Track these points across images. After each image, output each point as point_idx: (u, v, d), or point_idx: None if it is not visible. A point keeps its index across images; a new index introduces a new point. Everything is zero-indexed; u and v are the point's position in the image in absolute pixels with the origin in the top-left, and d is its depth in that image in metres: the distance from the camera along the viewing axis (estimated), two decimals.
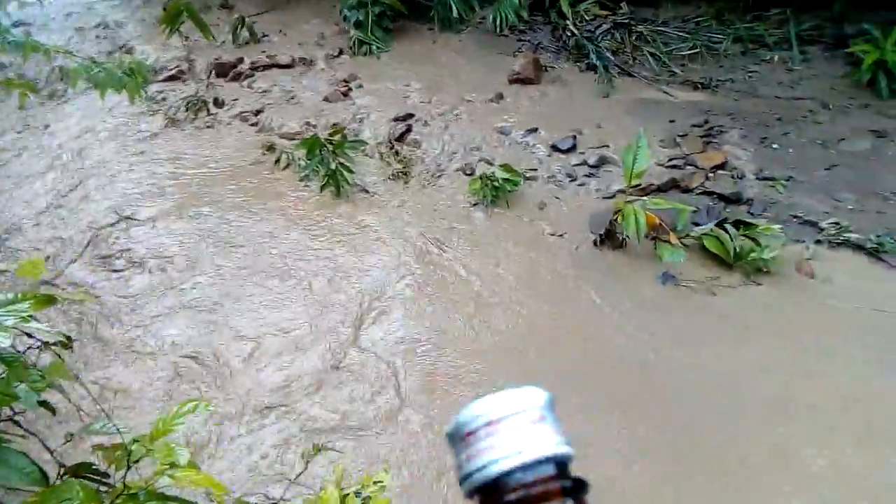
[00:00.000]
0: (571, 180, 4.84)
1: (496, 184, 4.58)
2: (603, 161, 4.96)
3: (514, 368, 3.36)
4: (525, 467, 0.46)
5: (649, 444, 2.94)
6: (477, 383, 3.27)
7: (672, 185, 4.70)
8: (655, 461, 2.89)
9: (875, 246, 4.09)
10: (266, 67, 6.49)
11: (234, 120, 5.73)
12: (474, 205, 4.60)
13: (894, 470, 2.80)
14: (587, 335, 3.56)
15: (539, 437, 0.47)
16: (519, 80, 6.15)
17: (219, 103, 5.96)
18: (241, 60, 6.56)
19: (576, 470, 0.48)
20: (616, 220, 4.03)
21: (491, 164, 4.95)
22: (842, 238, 4.16)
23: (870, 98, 5.50)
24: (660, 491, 2.78)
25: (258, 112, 5.78)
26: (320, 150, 4.65)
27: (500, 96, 5.92)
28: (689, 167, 4.83)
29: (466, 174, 4.88)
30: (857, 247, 4.11)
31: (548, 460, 0.46)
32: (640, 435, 2.99)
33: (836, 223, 4.25)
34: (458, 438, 0.48)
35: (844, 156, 4.95)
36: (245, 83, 6.31)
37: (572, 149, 5.13)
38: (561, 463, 0.47)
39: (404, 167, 4.92)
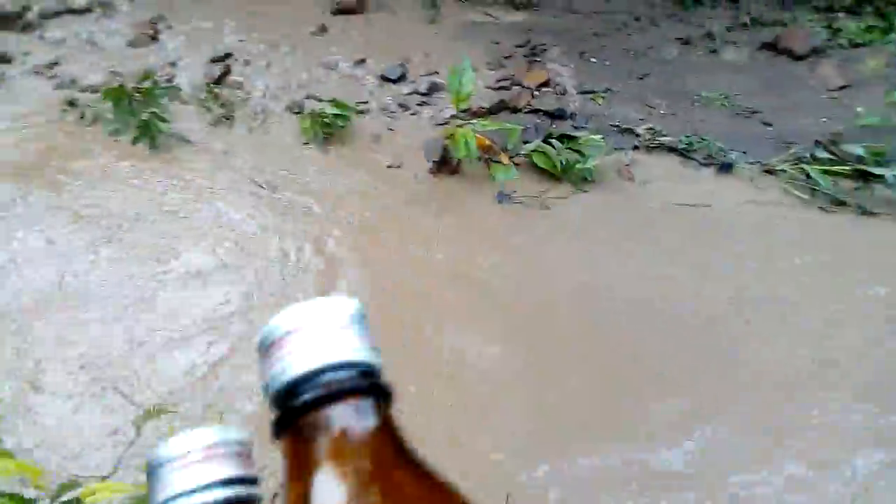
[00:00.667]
0: (404, 110, 4.79)
1: (327, 120, 4.44)
2: (434, 88, 4.94)
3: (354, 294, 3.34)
4: (322, 370, 0.44)
5: (507, 360, 3.05)
6: None
7: (502, 107, 4.78)
8: (519, 369, 3.01)
9: (685, 147, 4.41)
10: (58, 14, 5.81)
11: (27, 76, 5.11)
12: (306, 144, 4.44)
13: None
14: (429, 260, 3.59)
15: (341, 343, 0.45)
16: (342, 10, 5.94)
17: (6, 59, 5.28)
18: (27, 9, 5.81)
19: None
20: (448, 145, 4.05)
21: (320, 100, 4.78)
22: (656, 142, 4.45)
23: (676, 9, 5.85)
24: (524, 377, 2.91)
25: (54, 65, 5.19)
26: (130, 101, 4.27)
27: (323, 28, 5.70)
28: (515, 87, 4.92)
29: (295, 113, 4.68)
30: (670, 149, 4.42)
31: (349, 366, 0.45)
32: (492, 352, 3.09)
33: (651, 129, 4.54)
34: (263, 351, 0.46)
35: (655, 64, 5.26)
36: (36, 34, 5.62)
37: (402, 78, 5.07)
38: (365, 371, 0.45)
39: (227, 111, 4.63)
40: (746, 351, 2.98)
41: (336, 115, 4.46)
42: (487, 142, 4.14)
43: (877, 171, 4.02)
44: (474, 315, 3.16)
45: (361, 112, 4.71)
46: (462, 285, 3.32)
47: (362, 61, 5.23)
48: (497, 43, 5.53)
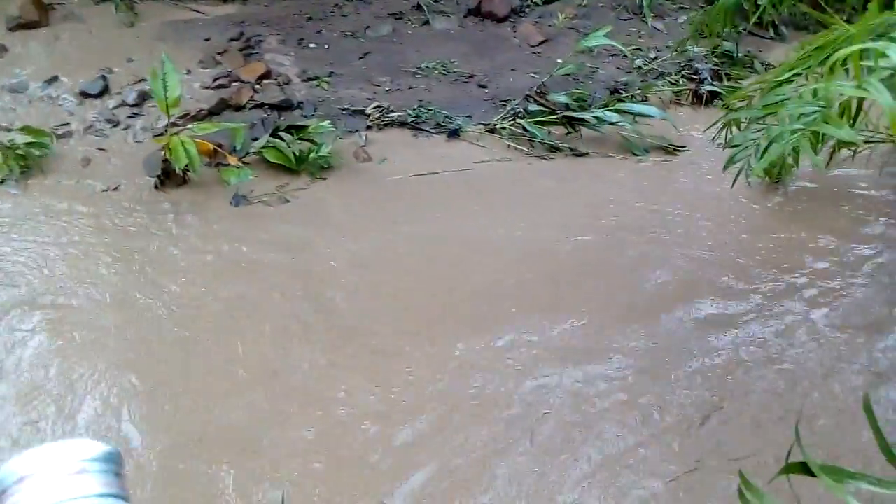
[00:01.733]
0: (114, 126, 4.34)
1: (20, 152, 3.88)
2: (144, 97, 4.53)
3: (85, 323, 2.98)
4: None
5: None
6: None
7: (223, 106, 4.52)
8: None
9: (414, 119, 4.53)
10: None
11: None
12: (2, 182, 3.85)
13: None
14: (162, 286, 3.30)
15: (72, 490, 0.43)
16: (23, 25, 5.22)
17: None
18: None
19: None
20: (167, 156, 3.74)
21: (9, 129, 4.16)
22: (387, 119, 4.51)
23: None
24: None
25: None
26: None
27: (2, 49, 4.96)
28: (235, 84, 4.68)
29: None
30: (401, 123, 4.51)
31: None
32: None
33: (379, 106, 4.59)
34: None
35: (373, 42, 5.32)
36: None
37: (105, 91, 4.58)
38: None
39: None
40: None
41: (30, 144, 3.92)
42: (211, 146, 3.90)
43: (580, 115, 4.45)
44: (231, 331, 2.96)
45: (62, 136, 4.19)
46: (209, 302, 3.10)
47: (54, 79, 4.64)
48: (208, 39, 5.22)
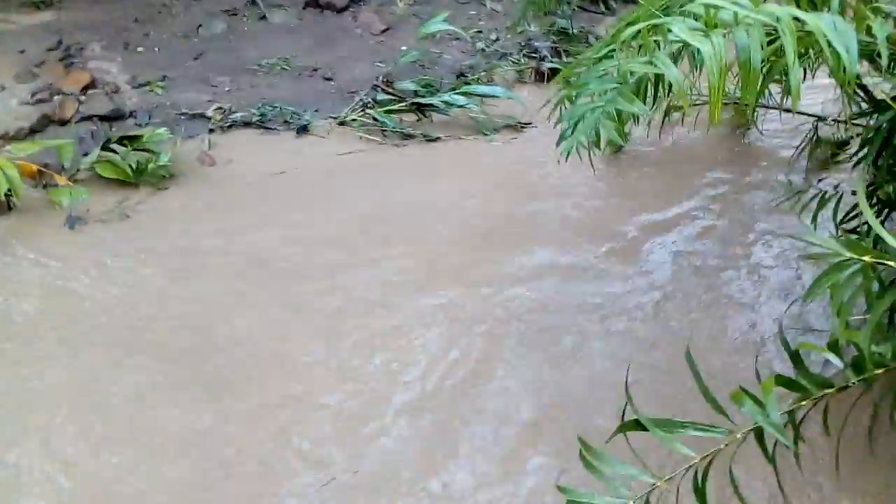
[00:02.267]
0: None
1: None
2: None
3: None
4: None
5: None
6: None
7: (47, 122, 4.16)
8: None
9: (259, 118, 4.37)
10: None
11: None
12: None
13: None
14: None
15: None
16: None
17: None
18: None
19: None
20: None
21: None
22: (230, 120, 4.32)
23: None
24: None
25: None
26: None
27: None
28: (57, 96, 4.30)
29: None
30: (246, 123, 4.34)
31: None
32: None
33: (221, 108, 4.39)
34: None
35: (207, 41, 5.07)
36: None
37: None
38: None
39: None
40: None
41: None
42: (35, 167, 3.58)
43: (429, 101, 4.48)
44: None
45: None
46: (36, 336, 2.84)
47: None
48: (23, 51, 4.77)
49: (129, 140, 3.81)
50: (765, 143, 4.13)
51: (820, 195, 2.43)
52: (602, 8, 6.19)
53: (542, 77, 5.07)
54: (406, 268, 3.13)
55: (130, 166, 3.69)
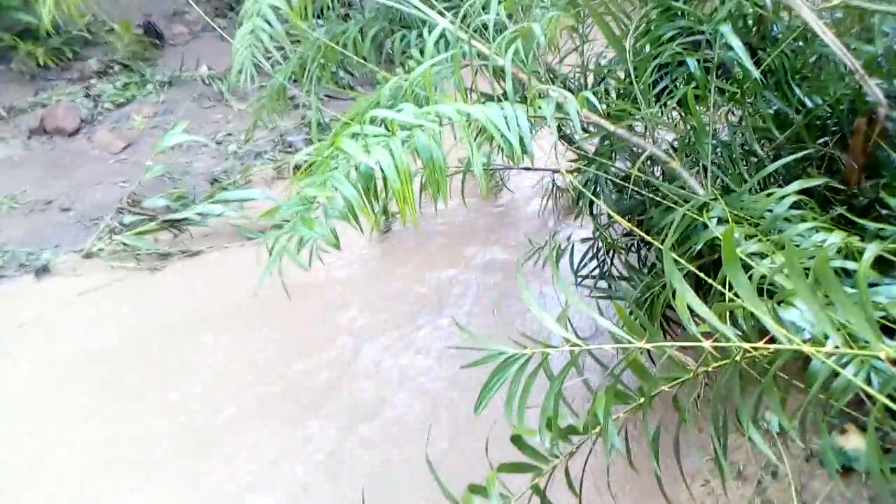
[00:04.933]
0: None
1: None
2: None
3: None
4: None
5: None
6: None
7: None
8: None
9: None
10: None
11: None
12: None
13: None
14: None
15: None
16: None
17: None
18: None
19: None
20: None
21: None
22: None
23: None
24: None
25: None
26: None
27: None
28: None
29: None
30: None
31: None
32: None
33: None
34: None
35: None
36: None
37: None
38: None
39: None
40: None
41: None
42: None
43: (182, 215, 4.25)
44: None
45: None
46: None
47: None
48: None
49: None
50: (517, 200, 4.45)
51: (555, 248, 2.61)
52: (352, 95, 6.38)
53: (299, 170, 5.05)
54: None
55: None
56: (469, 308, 3.45)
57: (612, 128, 1.93)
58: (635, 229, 1.70)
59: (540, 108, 1.67)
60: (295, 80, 3.29)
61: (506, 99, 1.70)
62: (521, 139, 1.54)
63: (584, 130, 2.39)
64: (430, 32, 2.10)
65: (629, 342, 0.96)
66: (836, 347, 0.87)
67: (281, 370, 3.08)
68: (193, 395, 2.97)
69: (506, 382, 0.99)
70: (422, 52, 2.19)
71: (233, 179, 4.78)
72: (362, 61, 2.61)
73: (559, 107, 1.76)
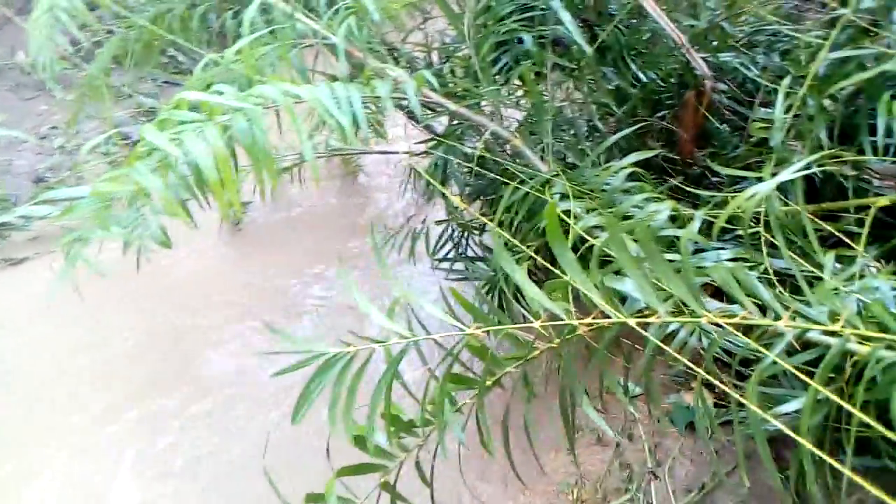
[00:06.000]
0: None
1: None
2: None
3: None
4: None
5: None
6: None
7: None
8: None
9: None
10: None
11: None
12: None
13: None
14: None
15: None
16: None
17: None
18: None
19: None
20: None
21: None
22: None
23: None
24: None
25: None
26: None
27: None
28: None
29: None
30: None
31: None
32: None
33: None
34: None
35: None
36: None
37: None
38: None
39: None
40: None
41: None
42: None
43: (3, 219, 3.80)
44: None
45: None
46: None
47: None
48: None
49: None
50: (378, 184, 4.35)
51: (410, 233, 2.56)
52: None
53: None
54: None
55: None
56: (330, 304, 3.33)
57: (453, 107, 1.88)
58: (470, 209, 1.67)
59: (375, 88, 1.59)
60: (120, 65, 2.99)
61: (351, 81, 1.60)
62: (355, 121, 1.45)
63: (431, 110, 2.34)
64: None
65: (460, 329, 0.91)
66: (662, 315, 0.87)
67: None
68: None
69: (334, 385, 0.91)
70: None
71: (61, 177, 4.33)
72: (188, 44, 2.40)
73: (397, 86, 1.69)
